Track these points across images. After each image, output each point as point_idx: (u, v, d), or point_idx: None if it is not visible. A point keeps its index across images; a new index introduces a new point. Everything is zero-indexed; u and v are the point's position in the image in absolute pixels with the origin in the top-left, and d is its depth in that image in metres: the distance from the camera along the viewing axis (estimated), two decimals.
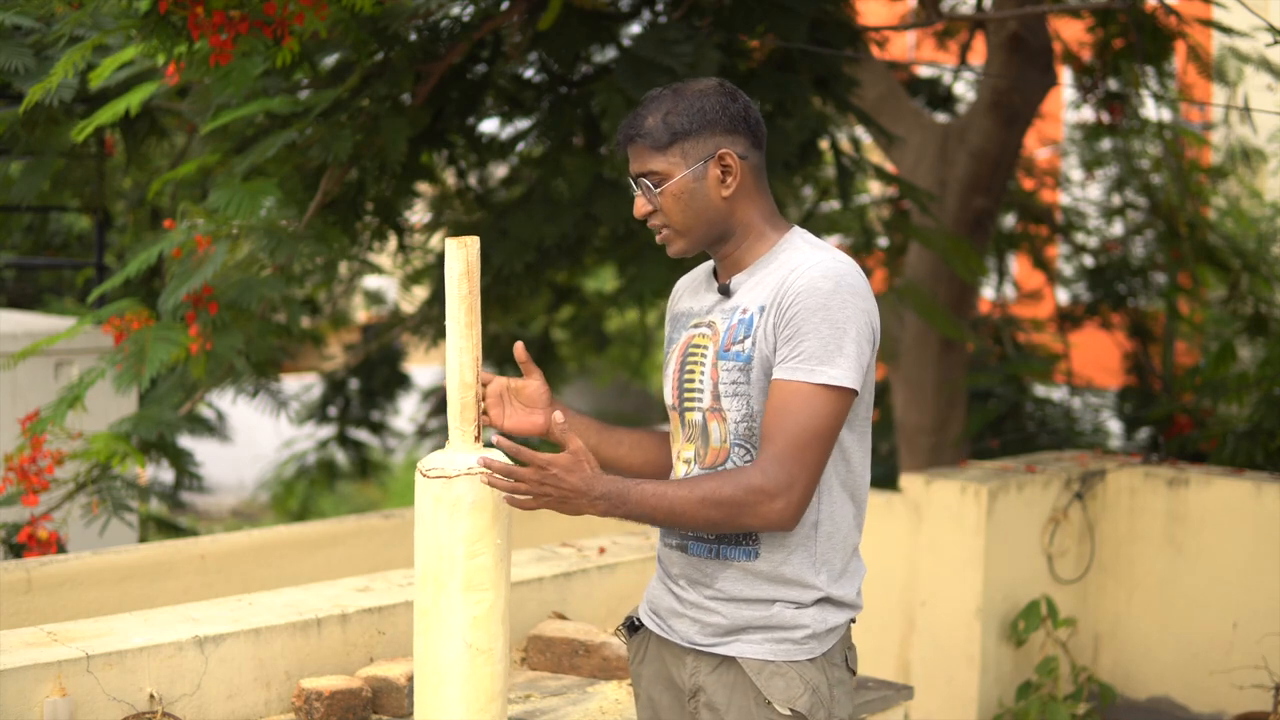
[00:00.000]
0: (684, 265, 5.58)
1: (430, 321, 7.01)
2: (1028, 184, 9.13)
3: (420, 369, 10.70)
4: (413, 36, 4.83)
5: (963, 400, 7.30)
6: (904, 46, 11.71)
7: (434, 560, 2.33)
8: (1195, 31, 7.03)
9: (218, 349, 4.26)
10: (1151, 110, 8.21)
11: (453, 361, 2.37)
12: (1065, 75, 8.37)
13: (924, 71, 8.91)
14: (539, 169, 5.59)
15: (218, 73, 4.19)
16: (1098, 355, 9.24)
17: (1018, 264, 9.96)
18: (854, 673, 2.39)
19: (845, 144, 6.88)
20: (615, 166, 5.17)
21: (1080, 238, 9.26)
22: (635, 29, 5.35)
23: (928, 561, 4.94)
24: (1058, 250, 9.64)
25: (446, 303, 2.37)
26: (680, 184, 2.30)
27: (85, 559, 3.82)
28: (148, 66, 4.63)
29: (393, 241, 5.66)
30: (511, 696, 3.12)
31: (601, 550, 3.82)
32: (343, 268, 7.63)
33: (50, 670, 2.68)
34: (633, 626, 2.50)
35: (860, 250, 8.38)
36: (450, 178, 6.78)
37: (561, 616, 3.54)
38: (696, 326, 2.38)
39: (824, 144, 5.51)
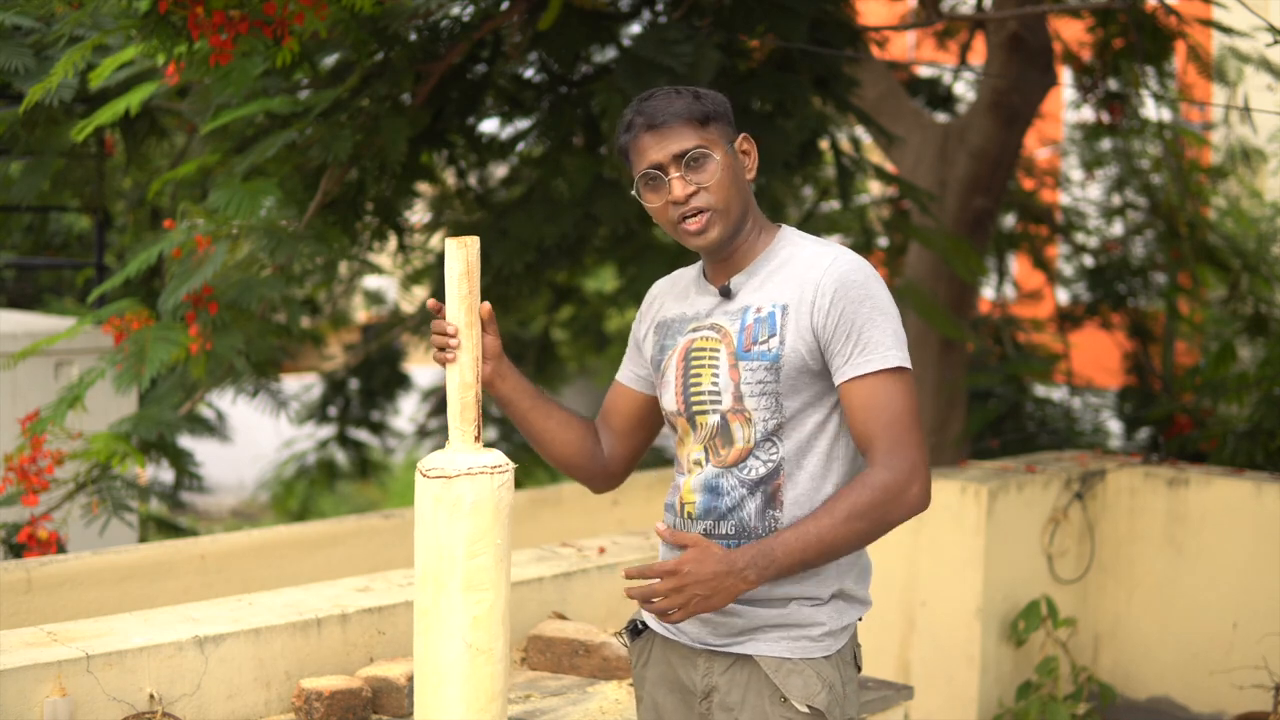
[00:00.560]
0: (684, 265, 5.59)
1: (430, 321, 7.00)
2: (1028, 184, 9.12)
3: (420, 369, 10.69)
4: (413, 36, 4.83)
5: (963, 400, 7.29)
6: (904, 46, 11.71)
7: (434, 560, 2.33)
8: (1195, 31, 7.03)
9: (218, 349, 4.26)
10: (1151, 110, 8.21)
11: (453, 362, 2.37)
12: (1065, 75, 8.37)
13: (924, 71, 8.90)
14: (539, 169, 5.59)
15: (218, 73, 4.19)
16: (1098, 355, 9.24)
17: (1018, 264, 9.96)
18: (859, 669, 2.41)
19: (845, 144, 6.88)
20: (615, 166, 5.17)
21: (1080, 238, 9.26)
22: (635, 29, 5.36)
23: (928, 561, 4.94)
24: (1058, 250, 9.64)
25: (446, 303, 2.38)
26: (725, 160, 2.33)
27: (85, 559, 3.83)
28: (148, 66, 4.63)
29: (393, 241, 5.66)
30: (511, 696, 3.12)
31: (601, 550, 3.82)
32: (343, 268, 7.64)
33: (50, 670, 2.69)
34: (636, 630, 2.49)
35: (860, 250, 8.38)
36: (450, 178, 6.78)
37: (561, 616, 3.54)
38: (696, 330, 2.38)
39: (824, 144, 5.51)
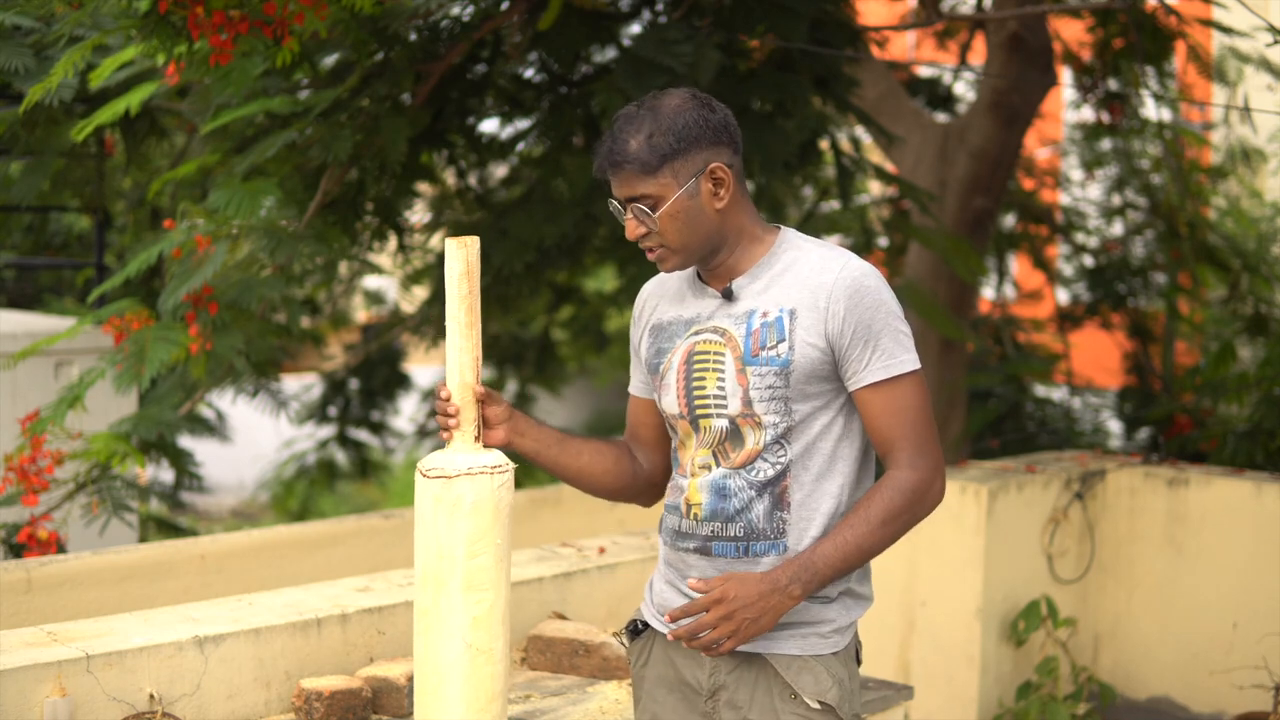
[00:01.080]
0: None
1: (430, 321, 7.01)
2: (1028, 184, 9.12)
3: (420, 369, 10.70)
4: (413, 36, 4.83)
5: (963, 400, 7.29)
6: (904, 46, 11.70)
7: (434, 560, 2.33)
8: (1195, 31, 7.03)
9: (218, 349, 4.26)
10: (1151, 110, 8.21)
11: (453, 361, 2.37)
12: (1065, 75, 8.37)
13: (924, 71, 8.90)
14: (539, 169, 5.59)
15: (218, 73, 4.19)
16: (1098, 355, 9.23)
17: (1018, 264, 9.96)
18: (860, 664, 2.42)
19: (845, 144, 6.88)
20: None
21: (1080, 238, 9.26)
22: (635, 29, 5.35)
23: (928, 561, 4.94)
24: (1058, 250, 9.64)
25: (446, 302, 2.37)
26: (676, 204, 2.29)
27: (85, 559, 3.83)
28: (148, 66, 4.63)
29: (393, 241, 5.66)
30: (511, 696, 3.12)
31: (601, 550, 3.82)
32: (343, 268, 7.64)
33: (50, 670, 2.69)
34: (635, 630, 2.49)
35: (860, 250, 8.38)
36: (450, 178, 6.78)
37: (561, 616, 3.54)
38: (698, 333, 2.36)
39: (824, 144, 5.51)
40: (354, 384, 9.41)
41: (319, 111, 4.50)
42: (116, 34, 4.27)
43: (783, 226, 2.41)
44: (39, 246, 8.39)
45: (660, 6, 5.25)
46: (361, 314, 10.92)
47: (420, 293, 8.97)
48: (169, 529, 6.93)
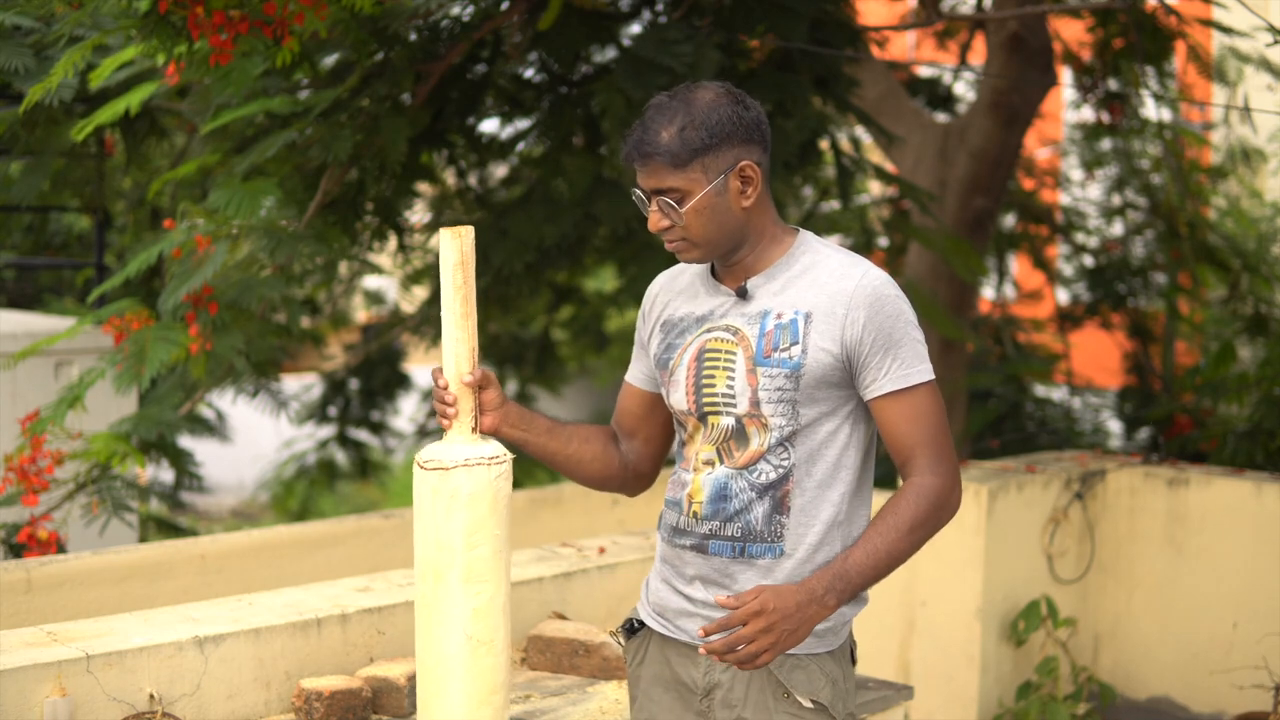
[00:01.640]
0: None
1: (430, 321, 7.01)
2: (1028, 184, 9.12)
3: (420, 369, 10.69)
4: (413, 36, 4.83)
5: (963, 400, 7.29)
6: (904, 46, 11.70)
7: (433, 552, 2.32)
8: (1195, 31, 7.02)
9: (218, 349, 4.26)
10: (1151, 110, 8.21)
11: (449, 353, 2.35)
12: (1065, 75, 8.37)
13: (924, 71, 8.90)
14: (539, 169, 5.59)
15: (218, 73, 4.19)
16: (1098, 355, 9.23)
17: (1018, 264, 9.96)
18: (854, 664, 2.42)
19: (845, 144, 6.88)
20: (615, 166, 5.17)
21: (1080, 238, 9.26)
22: (635, 29, 5.35)
23: (928, 561, 4.94)
24: (1058, 250, 9.64)
25: (441, 294, 2.35)
26: (703, 200, 2.28)
27: (85, 559, 3.83)
28: (148, 66, 4.62)
29: (393, 241, 5.66)
30: (511, 696, 3.12)
31: (601, 550, 3.82)
32: (343, 268, 7.63)
33: (50, 670, 2.69)
34: (631, 629, 2.49)
35: (860, 250, 8.38)
36: (450, 178, 6.78)
37: (561, 616, 3.54)
38: (710, 330, 2.36)
39: (824, 144, 5.50)
40: (354, 384, 9.41)
41: (319, 111, 4.49)
42: (116, 34, 4.27)
43: (801, 229, 2.40)
44: (39, 246, 8.39)
45: (660, 6, 5.24)
46: (361, 314, 10.91)
47: (420, 293, 8.96)
48: (169, 529, 6.93)
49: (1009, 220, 9.03)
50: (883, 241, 8.57)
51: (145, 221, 6.91)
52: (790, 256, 2.34)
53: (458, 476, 2.30)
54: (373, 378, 9.36)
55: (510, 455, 2.37)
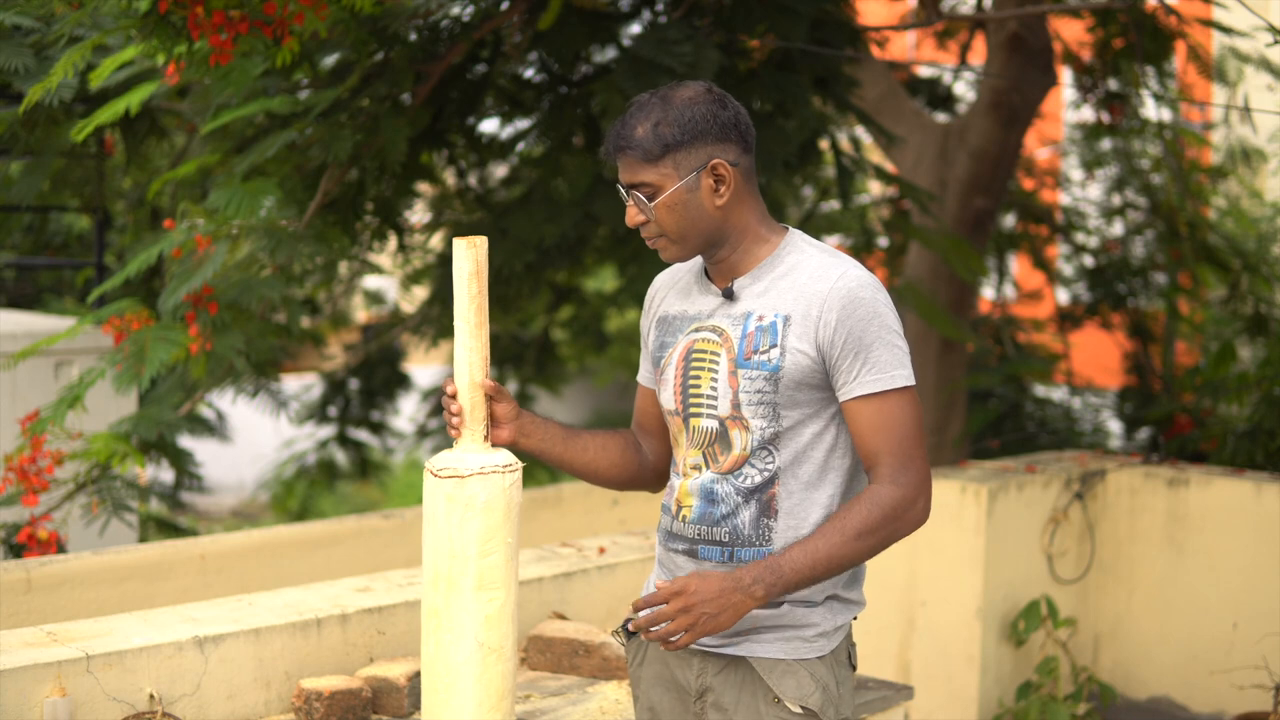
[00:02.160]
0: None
1: (430, 321, 7.01)
2: (1028, 184, 9.12)
3: (420, 369, 10.69)
4: (413, 36, 4.83)
5: (963, 400, 7.29)
6: (904, 46, 11.70)
7: (445, 560, 2.33)
8: (1195, 31, 7.03)
9: (218, 349, 4.26)
10: (1151, 110, 8.21)
11: (461, 361, 2.36)
12: (1065, 75, 8.37)
13: (924, 71, 8.90)
14: (539, 169, 5.59)
15: (218, 73, 4.19)
16: (1098, 355, 9.23)
17: (1018, 264, 9.96)
18: (854, 669, 2.41)
19: (845, 144, 6.88)
20: (615, 167, 5.16)
21: (1080, 238, 9.26)
22: (635, 29, 5.35)
23: (928, 561, 4.94)
24: (1058, 250, 9.64)
25: (455, 303, 2.36)
26: (674, 195, 2.29)
27: (85, 559, 3.82)
28: (148, 66, 4.62)
29: (393, 241, 5.66)
30: None
31: (601, 550, 3.82)
32: (343, 268, 7.63)
33: (50, 670, 2.68)
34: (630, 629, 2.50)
35: (860, 250, 8.39)
36: (450, 178, 6.78)
37: (561, 616, 3.54)
38: (698, 330, 2.37)
39: (824, 144, 5.50)
40: (354, 384, 9.41)
41: (319, 111, 4.49)
42: (116, 34, 4.27)
43: (791, 229, 2.39)
44: (39, 246, 8.39)
45: (660, 6, 5.24)
46: (361, 314, 10.92)
47: (420, 293, 8.97)
48: (169, 529, 6.94)
49: (1009, 220, 9.04)
50: (883, 241, 8.58)
51: (145, 221, 6.90)
52: (776, 257, 2.34)
53: (473, 485, 2.31)
54: (373, 378, 9.36)
55: (521, 464, 2.38)
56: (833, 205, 8.51)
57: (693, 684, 2.37)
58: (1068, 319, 9.00)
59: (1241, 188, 10.10)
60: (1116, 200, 9.11)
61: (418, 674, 3.03)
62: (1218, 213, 9.74)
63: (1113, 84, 7.83)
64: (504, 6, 4.99)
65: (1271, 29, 4.31)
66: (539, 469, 7.85)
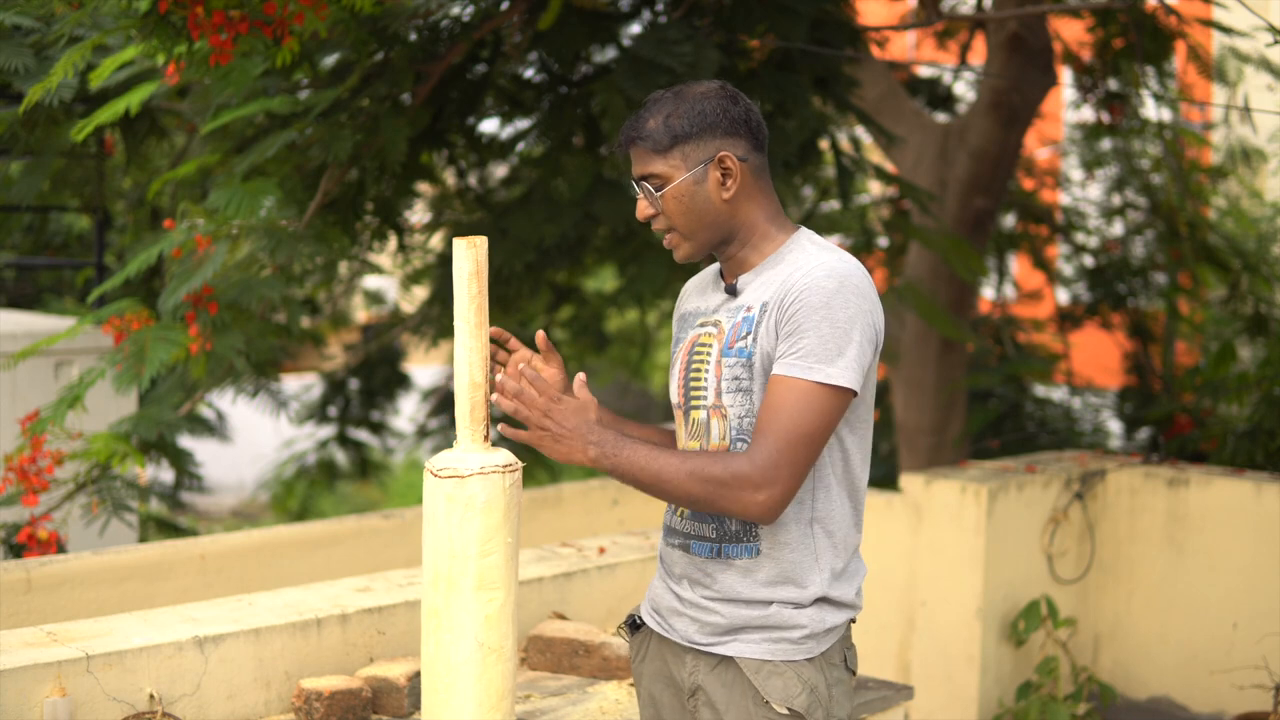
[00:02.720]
0: (685, 265, 5.59)
1: (430, 321, 7.00)
2: (1028, 184, 9.13)
3: (420, 369, 10.70)
4: (413, 36, 4.83)
5: (963, 400, 7.29)
6: (904, 46, 11.71)
7: (445, 560, 2.33)
8: (1195, 31, 7.03)
9: (218, 349, 4.26)
10: (1151, 110, 8.21)
11: (461, 361, 2.37)
12: (1065, 75, 8.37)
13: (924, 71, 8.90)
14: (539, 169, 5.59)
15: (218, 73, 4.19)
16: (1098, 355, 9.23)
17: (1018, 264, 9.96)
18: (853, 673, 2.39)
19: (845, 144, 6.88)
20: (615, 166, 5.16)
21: (1080, 238, 9.26)
22: (635, 29, 5.35)
23: (928, 561, 4.94)
24: (1058, 250, 9.64)
25: (455, 303, 2.36)
26: (681, 187, 2.31)
27: (85, 559, 3.82)
28: (148, 66, 4.62)
29: (393, 241, 5.66)
30: None
31: (601, 550, 3.82)
32: (343, 268, 7.64)
33: (50, 670, 2.68)
34: (634, 625, 2.51)
35: (860, 250, 8.38)
36: (450, 178, 6.77)
37: (561, 616, 3.54)
38: (703, 325, 2.39)
39: (824, 144, 5.50)
40: (354, 384, 9.41)
41: (319, 111, 4.49)
42: (116, 34, 4.27)
43: (801, 227, 2.40)
44: (39, 246, 8.39)
45: (660, 6, 5.24)
46: (361, 314, 10.92)
47: (420, 293, 8.96)
48: (169, 529, 6.94)
49: (1009, 220, 9.04)
50: (883, 241, 8.58)
51: (145, 221, 6.90)
52: (778, 254, 2.35)
53: (473, 485, 2.31)
54: (373, 378, 9.37)
55: (521, 464, 2.38)
56: (833, 205, 8.51)
57: (685, 681, 2.37)
58: (1068, 319, 9.00)
59: (1241, 188, 10.11)
60: (1116, 200, 9.11)
61: (418, 674, 3.03)
62: (1218, 213, 9.74)
63: (1113, 84, 7.84)
64: (504, 6, 4.99)
65: (1271, 29, 4.31)
66: (539, 468, 7.85)
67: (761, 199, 2.37)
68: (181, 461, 5.35)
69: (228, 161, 4.89)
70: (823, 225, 8.31)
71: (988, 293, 9.60)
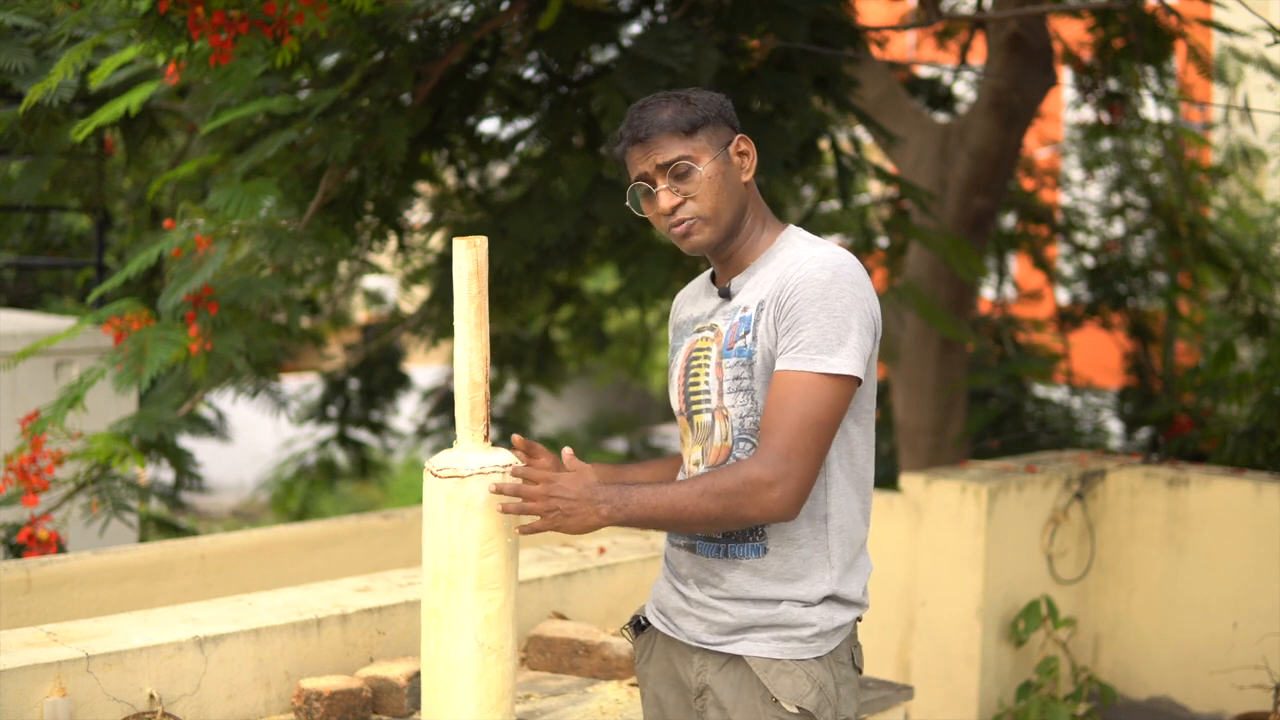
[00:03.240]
0: (685, 266, 5.59)
1: (430, 321, 7.01)
2: (1028, 184, 9.13)
3: (420, 369, 10.70)
4: (413, 36, 4.83)
5: (963, 400, 7.29)
6: (904, 46, 11.70)
7: (445, 560, 2.33)
8: (1195, 31, 7.03)
9: (218, 349, 4.26)
10: (1151, 110, 8.21)
11: (461, 361, 2.37)
12: (1065, 75, 8.37)
13: (924, 71, 8.90)
14: (539, 169, 5.59)
15: (218, 73, 4.19)
16: (1098, 355, 9.23)
17: (1018, 264, 9.96)
18: (860, 671, 2.40)
19: (845, 144, 6.88)
20: (615, 166, 5.16)
21: (1080, 238, 9.26)
22: (635, 29, 5.35)
23: (928, 561, 4.94)
24: (1058, 250, 9.64)
25: (455, 303, 2.37)
26: (713, 166, 2.32)
27: (85, 559, 3.82)
28: (148, 66, 4.62)
29: (393, 241, 5.66)
30: None
31: (601, 550, 3.82)
32: (343, 268, 7.64)
33: (50, 670, 2.68)
34: (639, 626, 2.51)
35: (860, 250, 8.38)
36: (450, 178, 6.77)
37: (561, 616, 3.54)
38: (699, 331, 2.40)
39: (824, 144, 5.50)
40: (354, 384, 9.42)
41: (319, 111, 4.49)
42: (116, 34, 4.27)
43: (790, 225, 2.41)
44: (39, 246, 8.39)
45: (660, 6, 5.24)
46: (361, 314, 10.92)
47: (420, 293, 8.97)
48: (169, 529, 6.94)
49: (1009, 220, 9.04)
50: (883, 241, 8.58)
51: (145, 221, 6.90)
52: (769, 252, 2.36)
53: (473, 484, 2.31)
54: (373, 378, 9.37)
55: (521, 464, 2.38)
56: (833, 205, 8.51)
57: (693, 681, 2.37)
58: (1068, 319, 9.00)
59: (1241, 188, 10.10)
60: (1116, 200, 9.11)
61: (418, 674, 3.03)
62: (1218, 213, 9.74)
63: (1113, 84, 7.84)
64: (504, 6, 4.99)
65: (1271, 29, 4.31)
66: None
67: (757, 196, 2.41)
68: (181, 461, 5.35)
69: (228, 161, 4.89)
70: (823, 225, 8.31)
71: (988, 293, 9.60)
